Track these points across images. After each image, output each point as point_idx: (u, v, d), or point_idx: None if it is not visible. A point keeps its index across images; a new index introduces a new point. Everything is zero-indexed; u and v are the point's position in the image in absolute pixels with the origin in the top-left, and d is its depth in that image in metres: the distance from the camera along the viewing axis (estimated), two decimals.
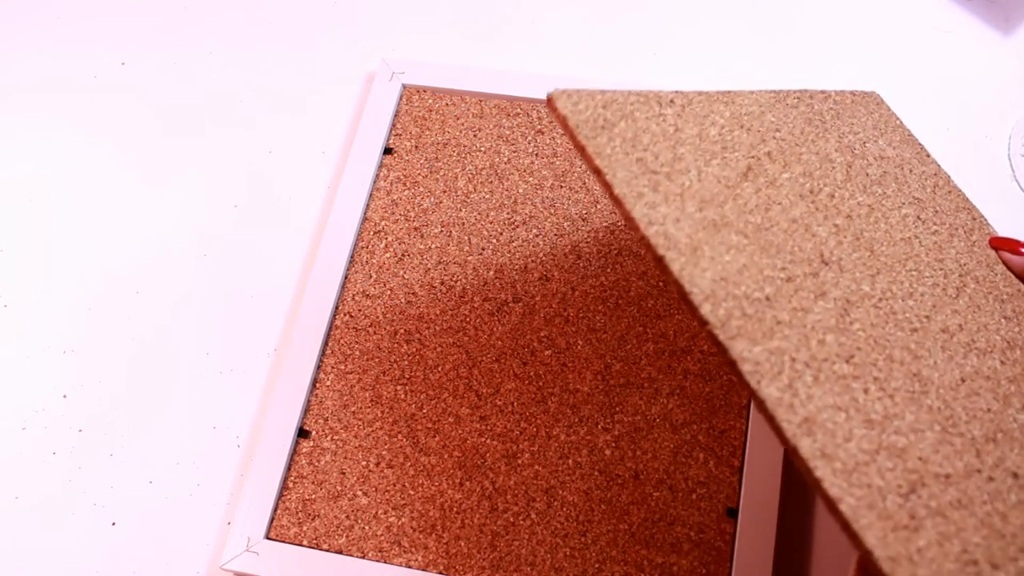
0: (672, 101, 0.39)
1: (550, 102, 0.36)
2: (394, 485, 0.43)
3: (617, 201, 0.35)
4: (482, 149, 0.52)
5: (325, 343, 0.46)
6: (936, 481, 0.32)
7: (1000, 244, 0.41)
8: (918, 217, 0.42)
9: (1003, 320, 0.39)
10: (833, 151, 0.42)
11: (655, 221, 0.34)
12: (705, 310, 0.33)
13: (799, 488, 0.43)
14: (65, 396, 0.48)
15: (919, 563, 0.30)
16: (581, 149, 0.36)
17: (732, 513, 0.41)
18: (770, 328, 0.33)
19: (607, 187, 0.35)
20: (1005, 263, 0.40)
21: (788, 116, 0.42)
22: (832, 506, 0.30)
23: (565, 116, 0.37)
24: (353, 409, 0.45)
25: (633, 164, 0.36)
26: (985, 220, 0.43)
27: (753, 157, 0.39)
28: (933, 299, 0.38)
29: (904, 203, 0.42)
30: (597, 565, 0.41)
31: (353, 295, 0.48)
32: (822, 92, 0.44)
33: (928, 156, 0.45)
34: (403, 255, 0.49)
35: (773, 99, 0.42)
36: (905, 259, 0.39)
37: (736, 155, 0.39)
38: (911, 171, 0.43)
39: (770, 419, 0.31)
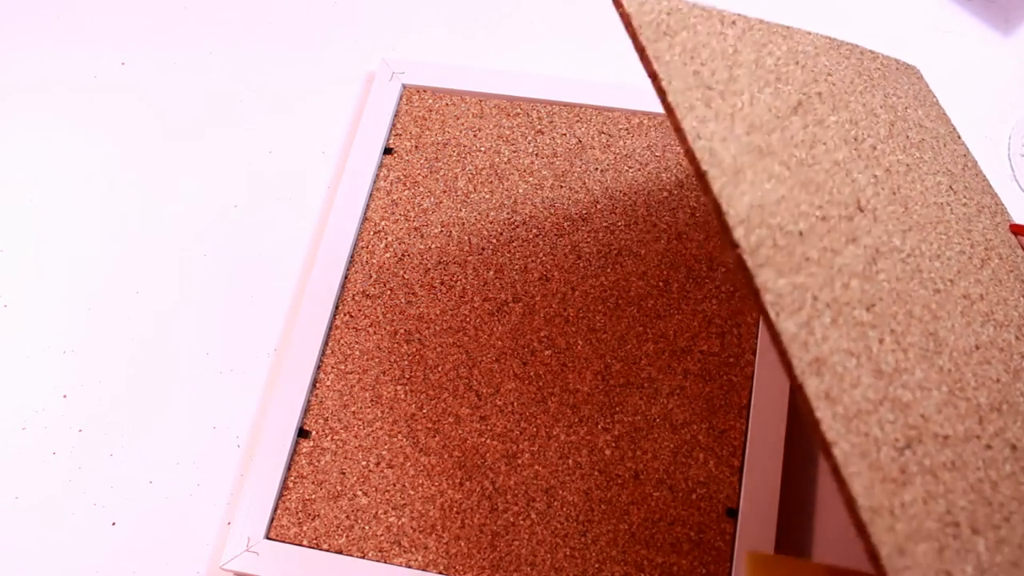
0: (734, 22, 0.39)
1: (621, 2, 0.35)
2: (394, 485, 0.43)
3: (669, 109, 0.34)
4: (482, 149, 0.52)
5: (325, 343, 0.46)
6: (934, 440, 0.32)
7: (1019, 230, 0.42)
8: (951, 187, 0.42)
9: (1022, 298, 0.39)
10: (879, 107, 0.41)
11: (703, 136, 0.34)
12: (738, 233, 0.32)
13: (799, 488, 0.43)
14: (65, 396, 0.48)
15: (900, 517, 0.30)
16: (641, 51, 0.35)
17: (732, 513, 0.41)
18: (798, 263, 0.33)
19: (661, 93, 0.34)
20: None
21: (840, 64, 0.42)
22: (826, 449, 0.30)
23: (630, 14, 0.36)
24: (353, 409, 0.45)
25: (689, 76, 0.36)
26: (1004, 207, 0.44)
27: (804, 94, 0.39)
28: (959, 265, 0.38)
29: (939, 171, 0.42)
30: (597, 565, 0.41)
31: (353, 295, 0.48)
32: (872, 51, 0.44)
33: (959, 137, 0.45)
34: (403, 255, 0.49)
35: (828, 44, 0.42)
36: (936, 222, 0.39)
37: (789, 88, 0.39)
38: (945, 146, 0.43)
39: (782, 353, 0.31)
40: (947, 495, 0.31)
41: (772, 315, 0.31)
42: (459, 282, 0.48)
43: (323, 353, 0.46)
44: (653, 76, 0.35)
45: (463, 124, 0.53)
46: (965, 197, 0.42)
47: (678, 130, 0.34)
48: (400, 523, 0.42)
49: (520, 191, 0.50)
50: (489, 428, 0.44)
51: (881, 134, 0.40)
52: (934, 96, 0.46)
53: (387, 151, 0.52)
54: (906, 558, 0.29)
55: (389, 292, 0.48)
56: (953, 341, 0.35)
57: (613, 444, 0.43)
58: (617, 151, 0.51)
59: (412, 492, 0.43)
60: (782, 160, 0.35)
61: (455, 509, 0.42)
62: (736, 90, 0.37)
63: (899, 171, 0.39)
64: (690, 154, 0.34)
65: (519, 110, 0.53)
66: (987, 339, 0.36)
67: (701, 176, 0.33)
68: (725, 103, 0.35)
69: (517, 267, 0.48)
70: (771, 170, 0.35)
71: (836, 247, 0.34)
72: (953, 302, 0.36)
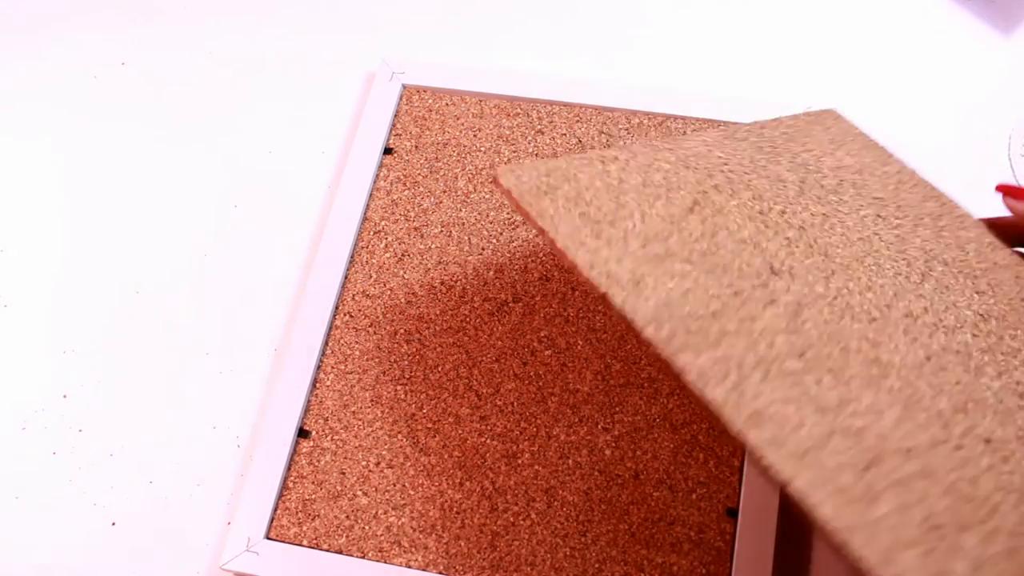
0: (616, 158, 0.42)
1: (495, 181, 0.39)
2: (394, 485, 0.43)
3: (561, 253, 0.37)
4: (482, 149, 0.52)
5: (325, 343, 0.46)
6: (896, 455, 0.34)
7: (1006, 190, 0.42)
8: (878, 215, 0.43)
9: (975, 295, 0.40)
10: (785, 171, 0.43)
11: (596, 264, 0.36)
12: (648, 332, 0.34)
13: None
14: (65, 396, 0.48)
15: (877, 531, 0.31)
16: (526, 215, 0.38)
17: (732, 513, 0.41)
18: (716, 339, 0.35)
19: (551, 243, 0.37)
20: (1010, 208, 0.42)
21: (737, 149, 0.44)
22: (785, 487, 0.32)
23: (508, 189, 0.39)
24: (353, 409, 0.45)
25: (576, 219, 0.38)
26: (954, 203, 0.44)
27: (700, 192, 0.41)
28: (895, 288, 0.40)
29: (863, 205, 0.44)
30: (597, 565, 0.41)
31: (353, 295, 0.48)
32: (775, 120, 0.46)
33: (890, 157, 0.46)
34: (403, 255, 0.49)
35: (721, 136, 0.45)
36: (863, 256, 0.41)
37: (682, 193, 0.41)
38: (871, 174, 0.45)
39: (718, 419, 0.33)
40: (923, 502, 0.33)
41: (698, 391, 0.34)
42: (459, 282, 0.48)
43: (323, 353, 0.46)
44: (541, 232, 0.37)
45: (463, 124, 0.53)
46: (897, 218, 0.43)
47: (572, 267, 0.36)
48: (400, 523, 0.42)
49: None
50: (489, 428, 0.44)
51: (790, 196, 0.42)
52: (856, 129, 0.47)
53: (387, 151, 0.52)
54: (894, 566, 0.31)
55: (389, 292, 0.48)
56: (899, 360, 0.37)
57: (613, 444, 0.43)
58: None
59: (412, 492, 0.43)
60: (683, 257, 0.37)
61: (455, 509, 0.42)
62: (625, 214, 0.39)
63: (815, 223, 0.41)
64: (588, 284, 0.36)
65: (519, 110, 0.53)
66: (938, 347, 0.38)
67: (603, 298, 0.35)
68: (616, 229, 0.38)
69: (517, 267, 0.48)
70: (672, 270, 0.37)
71: (754, 314, 0.37)
72: (893, 324, 0.38)
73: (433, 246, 0.49)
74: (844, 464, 0.33)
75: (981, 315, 0.40)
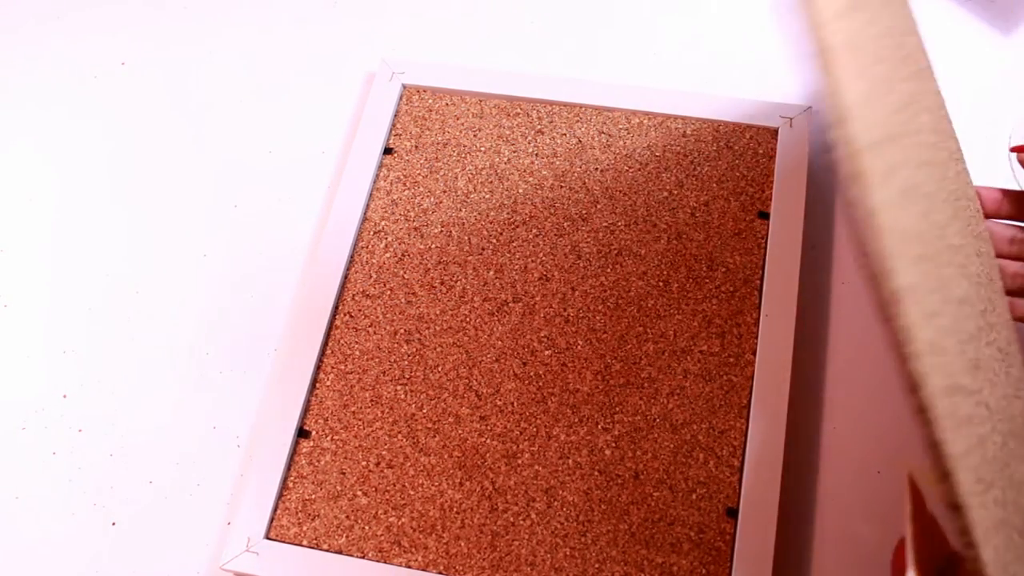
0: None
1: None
2: (394, 485, 0.43)
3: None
4: (482, 149, 0.52)
5: (325, 343, 0.46)
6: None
7: (1021, 149, 0.43)
8: None
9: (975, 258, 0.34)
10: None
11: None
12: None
13: (799, 488, 0.43)
14: (65, 396, 0.48)
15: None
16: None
17: (732, 513, 0.41)
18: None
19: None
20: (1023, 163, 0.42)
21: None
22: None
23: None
24: (353, 409, 0.45)
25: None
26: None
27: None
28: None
29: None
30: (597, 565, 0.41)
31: (353, 295, 0.48)
32: None
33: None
34: (403, 255, 0.49)
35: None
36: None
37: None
38: None
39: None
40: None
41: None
42: (459, 282, 0.48)
43: (323, 353, 0.46)
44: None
45: (463, 124, 0.53)
46: None
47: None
48: (400, 523, 0.42)
49: (520, 191, 0.50)
50: (489, 428, 0.44)
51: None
52: None
53: (387, 151, 0.52)
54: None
55: (389, 292, 0.48)
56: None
57: (613, 444, 0.43)
58: (617, 151, 0.51)
59: (412, 492, 0.43)
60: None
61: (455, 509, 0.42)
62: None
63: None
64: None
65: (519, 110, 0.53)
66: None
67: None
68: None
69: (517, 267, 0.48)
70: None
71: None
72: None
73: (433, 246, 0.49)
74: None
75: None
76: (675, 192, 0.49)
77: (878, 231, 0.23)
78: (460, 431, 0.44)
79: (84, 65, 0.59)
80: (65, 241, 0.52)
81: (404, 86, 0.54)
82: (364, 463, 0.43)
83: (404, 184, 0.51)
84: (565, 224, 0.49)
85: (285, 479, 0.43)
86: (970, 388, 0.26)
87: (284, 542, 0.42)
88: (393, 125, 0.53)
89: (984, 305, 0.30)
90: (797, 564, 0.42)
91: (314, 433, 0.44)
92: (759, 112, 0.51)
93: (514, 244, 0.49)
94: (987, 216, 0.41)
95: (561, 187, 0.50)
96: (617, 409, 0.44)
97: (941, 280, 0.26)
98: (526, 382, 0.45)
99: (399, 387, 0.45)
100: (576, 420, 0.44)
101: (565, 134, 0.52)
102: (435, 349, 0.46)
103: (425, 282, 0.48)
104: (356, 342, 0.46)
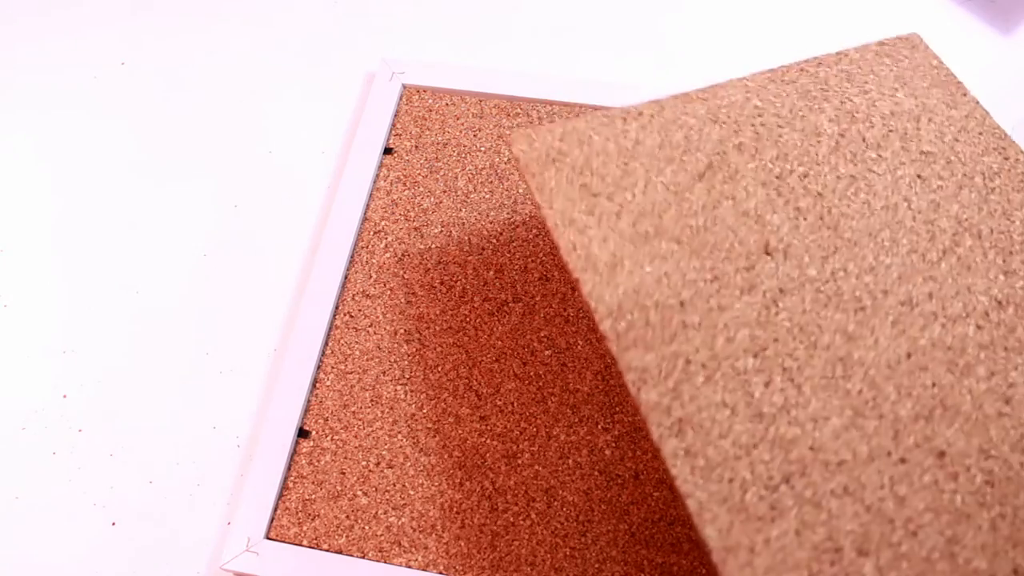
0: (640, 113, 0.40)
1: (509, 145, 0.38)
2: (394, 485, 0.43)
3: (552, 232, 0.36)
4: (482, 149, 0.52)
5: (325, 343, 0.46)
6: (822, 469, 0.32)
7: None
8: (918, 175, 0.40)
9: (1001, 276, 0.37)
10: (825, 122, 0.40)
11: (580, 245, 0.36)
12: (605, 325, 0.34)
13: None
14: (65, 396, 0.48)
15: (760, 553, 0.30)
16: (528, 187, 0.38)
17: None
18: (673, 333, 0.34)
19: (545, 219, 0.37)
20: None
21: (780, 94, 0.41)
22: (683, 501, 0.31)
23: (517, 156, 0.38)
24: (353, 409, 0.45)
25: (575, 191, 0.37)
26: (1018, 151, 0.40)
27: (718, 153, 0.39)
28: (902, 269, 0.37)
29: (904, 163, 0.40)
30: (597, 565, 0.41)
31: (353, 295, 0.48)
32: (839, 54, 0.43)
33: (962, 97, 0.42)
34: (403, 255, 0.49)
35: (768, 79, 0.42)
36: (880, 229, 0.38)
37: (698, 155, 0.39)
38: (929, 121, 0.41)
39: (645, 422, 0.32)
40: (830, 522, 0.31)
41: (632, 391, 0.33)
42: (459, 282, 0.48)
43: (323, 353, 0.46)
44: (538, 207, 0.37)
45: (463, 124, 0.53)
46: (941, 179, 0.39)
47: (558, 247, 0.36)
48: (400, 523, 0.42)
49: (520, 191, 0.50)
50: (489, 428, 0.44)
51: (820, 155, 0.39)
52: (933, 61, 0.43)
53: (387, 151, 0.52)
54: None
55: (389, 292, 0.48)
56: (872, 358, 0.35)
57: (613, 444, 0.43)
58: None
59: (412, 492, 0.43)
60: (672, 236, 0.36)
61: (455, 509, 0.42)
62: (628, 184, 0.38)
63: (837, 188, 0.38)
64: (567, 267, 0.36)
65: (519, 110, 0.53)
66: (927, 342, 0.35)
67: (576, 283, 0.35)
68: (612, 203, 0.37)
69: (517, 267, 0.48)
70: (657, 251, 0.36)
71: (725, 303, 0.35)
72: (883, 314, 0.36)
73: (433, 246, 0.49)
74: (756, 479, 0.32)
75: (998, 301, 0.36)
76: None
77: None
78: (460, 431, 0.44)
79: (84, 65, 0.59)
80: (65, 241, 0.52)
81: (404, 86, 0.54)
82: (364, 463, 0.43)
83: (404, 184, 0.51)
84: None
85: (285, 479, 0.43)
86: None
87: (284, 542, 0.42)
88: (393, 125, 0.53)
89: None
90: None
91: (314, 433, 0.44)
92: None
93: (514, 244, 0.49)
94: None
95: None
96: (617, 409, 0.44)
97: None
98: (526, 382, 0.45)
99: (399, 387, 0.45)
100: (576, 420, 0.44)
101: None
102: (435, 349, 0.46)
103: (425, 282, 0.48)
104: (356, 342, 0.46)
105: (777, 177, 0.39)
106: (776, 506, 0.31)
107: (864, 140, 0.40)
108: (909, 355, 0.35)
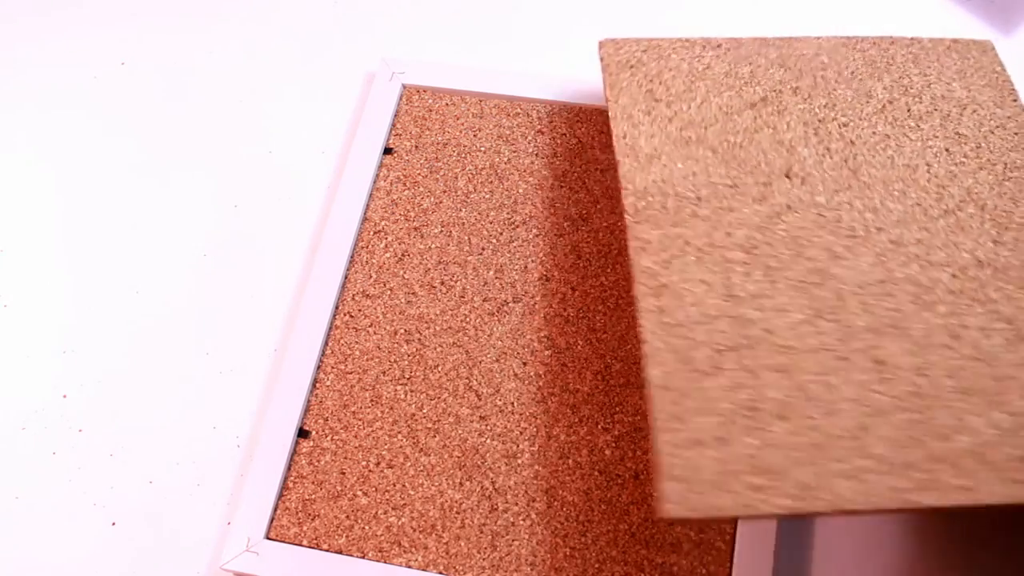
0: (718, 45, 0.45)
1: (599, 48, 0.45)
2: (394, 485, 0.43)
3: (610, 121, 0.42)
4: (482, 149, 0.52)
5: (325, 343, 0.46)
6: (769, 348, 0.36)
7: None
8: (946, 149, 0.43)
9: (991, 243, 0.40)
10: (880, 89, 0.44)
11: (630, 135, 0.42)
12: (628, 202, 0.39)
13: None
14: (65, 396, 0.48)
15: (689, 396, 0.35)
16: (605, 85, 0.43)
17: None
18: (683, 219, 0.39)
19: (609, 112, 0.42)
20: None
21: (848, 57, 0.46)
22: (641, 344, 0.36)
23: (602, 57, 0.45)
24: (353, 409, 0.45)
25: (641, 93, 0.43)
26: None
27: (775, 91, 0.44)
28: (901, 215, 0.40)
29: (937, 136, 0.43)
30: (597, 565, 0.41)
31: (353, 295, 0.48)
32: (912, 38, 0.47)
33: (1014, 101, 0.45)
34: (403, 255, 0.49)
35: (841, 44, 0.46)
36: (894, 180, 0.41)
37: (756, 88, 0.44)
38: (973, 112, 0.44)
39: (633, 284, 0.38)
40: (757, 387, 0.36)
41: (632, 255, 0.38)
42: (459, 282, 0.48)
43: (323, 353, 0.46)
44: (606, 99, 0.43)
45: (463, 124, 0.53)
46: (966, 156, 0.42)
47: (612, 135, 0.42)
48: (400, 523, 0.42)
49: (520, 191, 0.50)
50: (489, 428, 0.44)
51: (865, 112, 0.43)
52: (998, 67, 0.46)
53: (387, 151, 0.52)
54: (681, 423, 0.34)
55: (389, 292, 0.48)
56: (848, 276, 0.38)
57: (613, 444, 0.43)
58: None
59: (412, 492, 0.43)
60: (710, 145, 0.41)
61: (455, 509, 0.42)
62: (688, 97, 0.43)
63: (869, 142, 0.42)
64: (614, 150, 0.41)
65: (519, 110, 0.53)
66: (902, 276, 0.38)
67: (617, 166, 0.40)
68: (669, 109, 0.42)
69: (517, 267, 0.48)
70: (693, 154, 0.41)
71: (736, 206, 0.40)
72: (870, 245, 0.39)
73: (433, 246, 0.49)
74: (709, 341, 0.36)
75: (979, 261, 0.39)
76: None
77: None
78: (460, 431, 0.44)
79: (84, 65, 0.59)
80: (65, 241, 0.52)
81: (404, 86, 0.54)
82: (364, 463, 0.43)
83: (404, 184, 0.51)
84: (565, 224, 0.49)
85: (285, 479, 0.43)
86: None
87: (284, 542, 0.42)
88: (393, 125, 0.53)
89: None
90: (797, 564, 0.42)
91: (314, 433, 0.44)
92: None
93: (514, 244, 0.49)
94: None
95: (561, 187, 0.50)
96: (617, 409, 0.44)
97: None
98: (526, 382, 0.45)
99: (399, 387, 0.45)
100: (576, 420, 0.44)
101: (565, 134, 0.52)
102: (435, 349, 0.46)
103: (425, 282, 0.48)
104: (356, 342, 0.46)
105: (820, 120, 0.43)
106: (718, 366, 0.36)
107: (908, 111, 0.43)
108: (881, 281, 0.39)
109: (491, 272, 0.48)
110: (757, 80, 0.44)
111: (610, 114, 0.42)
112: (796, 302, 0.37)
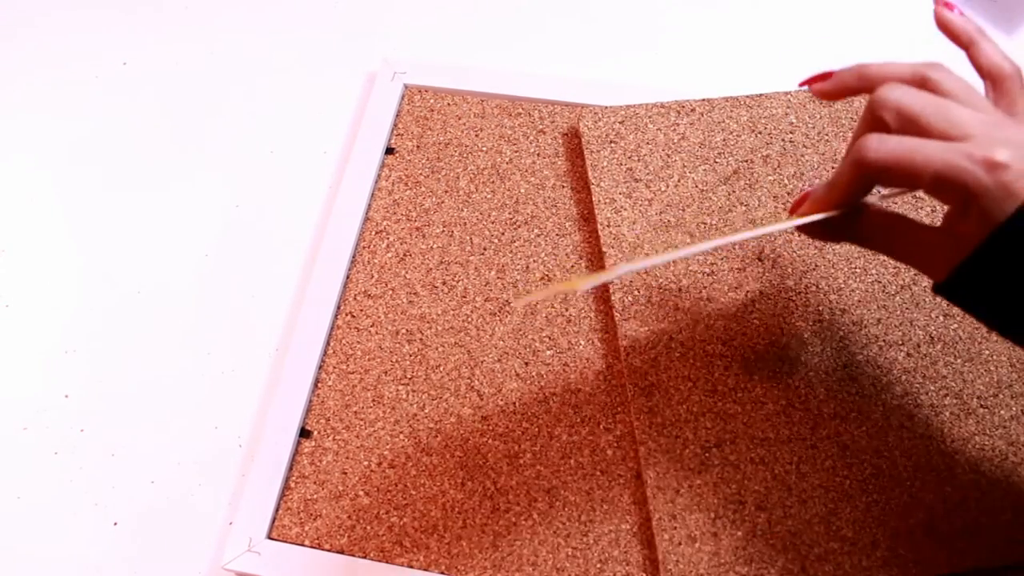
0: (693, 110, 0.48)
1: (579, 121, 0.48)
2: (396, 485, 0.43)
3: (594, 206, 0.46)
4: (484, 149, 0.52)
5: (327, 343, 0.46)
6: (748, 441, 0.41)
7: (808, 81, 0.37)
8: (917, 208, 0.46)
9: (941, 317, 0.43)
10: (844, 149, 0.46)
11: (613, 223, 0.45)
12: (615, 297, 0.44)
13: None
14: (67, 396, 0.48)
15: (682, 494, 0.40)
16: (583, 161, 0.46)
17: None
18: (667, 312, 0.43)
19: (592, 195, 0.46)
20: (817, 94, 0.36)
21: (815, 115, 0.48)
22: (637, 449, 0.41)
23: (583, 132, 0.48)
24: (355, 409, 0.45)
25: (621, 172, 0.46)
26: None
27: (746, 161, 0.46)
28: (863, 295, 0.44)
29: (896, 201, 0.45)
30: (599, 565, 0.41)
31: (355, 295, 0.48)
32: None
33: None
34: (405, 255, 0.49)
35: (808, 98, 0.49)
36: (857, 257, 0.45)
37: (729, 160, 0.47)
38: None
39: (623, 378, 0.43)
40: (743, 481, 0.40)
41: (623, 356, 0.43)
42: (461, 282, 0.48)
43: (325, 353, 0.46)
44: (588, 182, 0.47)
45: (465, 124, 0.53)
46: (927, 219, 0.45)
47: (596, 221, 0.46)
48: (402, 523, 0.42)
49: (522, 191, 0.50)
50: (491, 428, 0.44)
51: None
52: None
53: (389, 151, 0.52)
54: (676, 521, 0.39)
55: (391, 292, 0.48)
56: (815, 363, 0.42)
57: (615, 444, 0.43)
58: None
59: (414, 492, 0.43)
60: (688, 230, 0.45)
61: (457, 509, 0.42)
62: (666, 175, 0.46)
63: None
64: (598, 237, 0.45)
65: (521, 110, 0.53)
66: (863, 359, 0.42)
67: (601, 255, 0.44)
68: (648, 190, 0.46)
69: (519, 267, 0.48)
70: (673, 240, 0.44)
71: (713, 296, 0.43)
72: (835, 330, 0.43)
73: (435, 246, 0.49)
74: (696, 439, 0.41)
75: (931, 337, 0.43)
76: None
77: None
78: (462, 431, 0.44)
79: (85, 65, 0.59)
80: (66, 241, 0.52)
81: (406, 86, 0.54)
82: (366, 463, 0.43)
83: (406, 184, 0.51)
84: (567, 224, 0.49)
85: (287, 479, 0.43)
86: None
87: (286, 542, 0.42)
88: (395, 125, 0.53)
89: None
90: None
91: (316, 433, 0.44)
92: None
93: (516, 244, 0.49)
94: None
95: (563, 187, 0.50)
96: (619, 409, 0.44)
97: None
98: (528, 382, 0.45)
99: (401, 387, 0.45)
100: (578, 420, 0.44)
101: (567, 134, 0.52)
102: (437, 349, 0.46)
103: (427, 282, 0.48)
104: (358, 342, 0.46)
105: (788, 194, 0.46)
106: (705, 463, 0.40)
107: None
108: (845, 366, 0.42)
109: (493, 272, 0.48)
110: (730, 150, 0.47)
111: (593, 198, 0.45)
112: (771, 393, 0.41)
